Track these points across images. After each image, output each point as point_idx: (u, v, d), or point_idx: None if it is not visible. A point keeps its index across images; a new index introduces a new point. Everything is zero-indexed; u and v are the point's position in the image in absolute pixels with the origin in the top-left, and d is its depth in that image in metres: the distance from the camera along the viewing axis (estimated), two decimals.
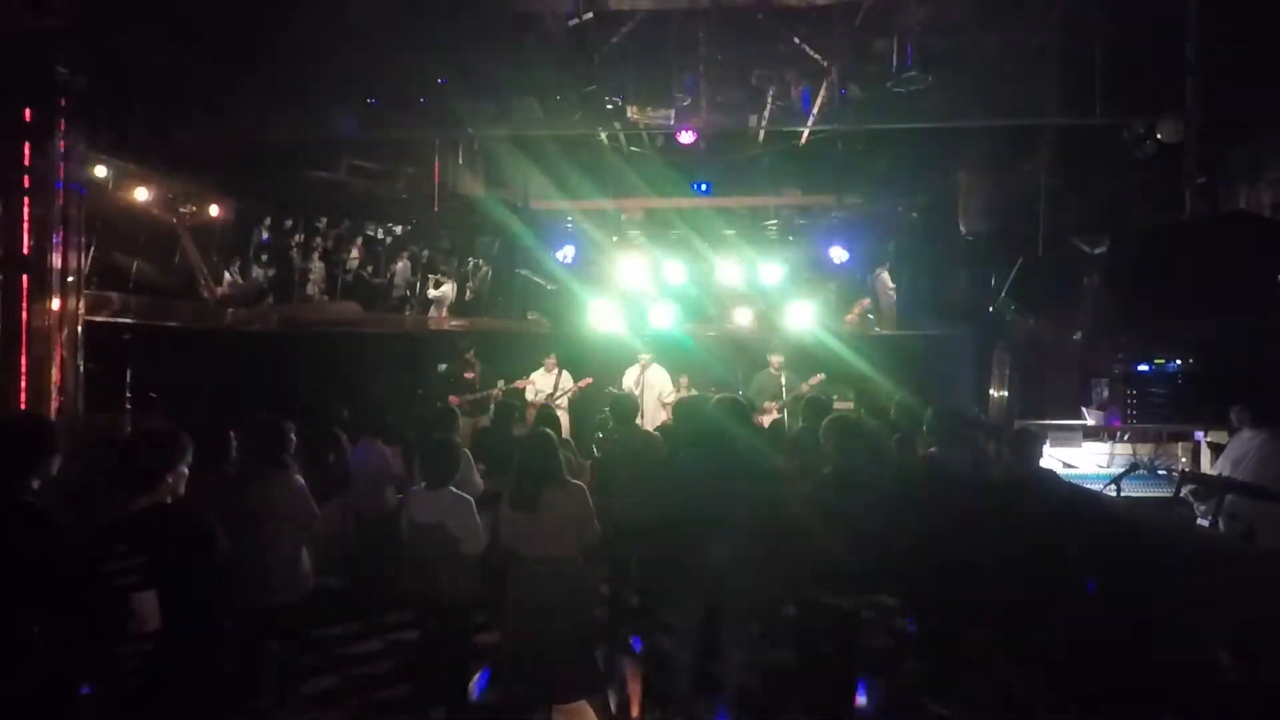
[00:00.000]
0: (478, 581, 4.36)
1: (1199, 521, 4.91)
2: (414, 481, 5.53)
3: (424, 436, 5.99)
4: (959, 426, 4.96)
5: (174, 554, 2.88)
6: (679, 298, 10.78)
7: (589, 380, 9.45)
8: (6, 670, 2.74)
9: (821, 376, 9.01)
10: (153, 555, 2.82)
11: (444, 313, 10.68)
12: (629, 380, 9.48)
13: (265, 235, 9.29)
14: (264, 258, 9.28)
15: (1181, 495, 5.08)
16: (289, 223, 9.46)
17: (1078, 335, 8.02)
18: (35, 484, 2.93)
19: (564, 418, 9.10)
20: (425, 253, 10.74)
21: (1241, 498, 4.71)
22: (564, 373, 9.39)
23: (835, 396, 9.17)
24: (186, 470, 3.17)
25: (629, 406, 6.03)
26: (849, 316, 10.73)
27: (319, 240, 9.87)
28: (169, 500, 3.05)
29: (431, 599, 4.30)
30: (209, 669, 2.99)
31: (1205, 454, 6.59)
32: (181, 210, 8.29)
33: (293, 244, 9.55)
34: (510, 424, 6.27)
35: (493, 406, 7.48)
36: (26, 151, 5.67)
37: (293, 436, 4.51)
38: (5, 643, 2.75)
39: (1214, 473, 5.49)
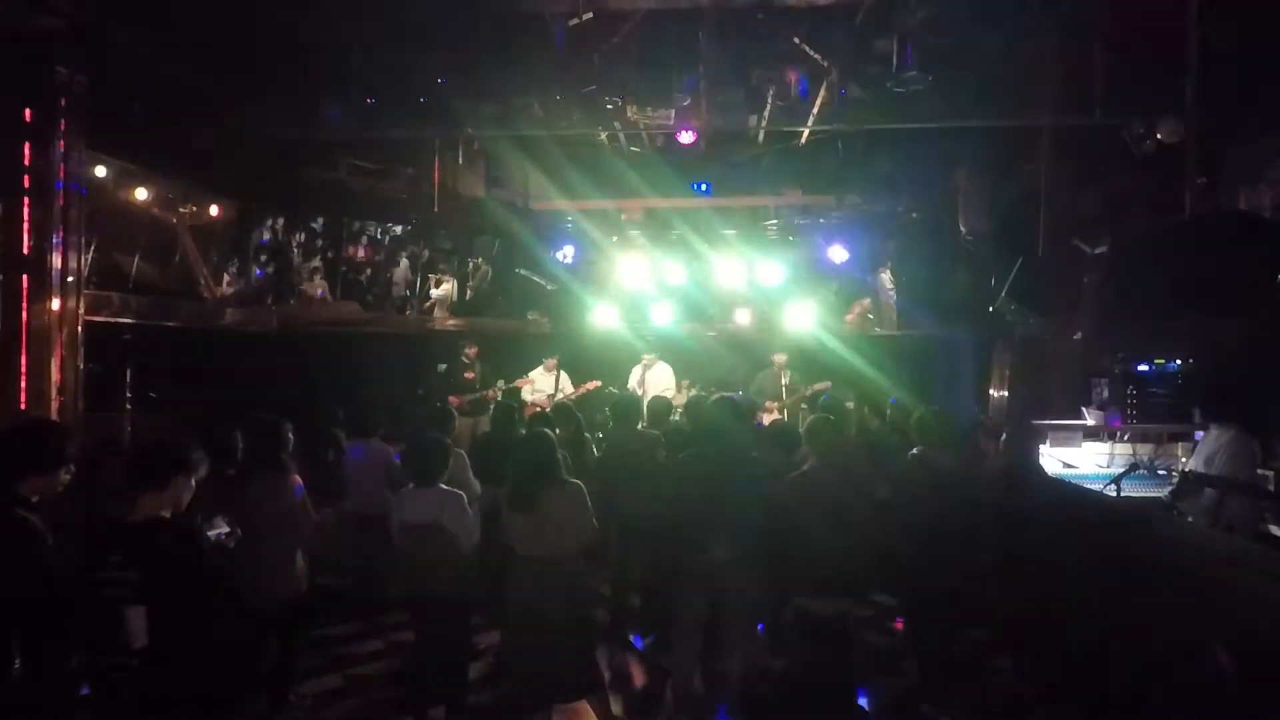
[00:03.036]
0: (475, 579, 4.36)
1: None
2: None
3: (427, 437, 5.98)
4: (946, 425, 4.97)
5: (167, 572, 2.86)
6: (679, 298, 10.78)
7: (597, 383, 9.44)
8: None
9: (828, 384, 8.96)
10: (145, 572, 2.81)
11: (444, 313, 10.68)
12: (632, 381, 9.48)
13: (265, 235, 9.28)
14: (264, 257, 9.28)
15: (1164, 497, 5.12)
16: (288, 223, 9.45)
17: (1078, 335, 8.02)
18: (33, 497, 2.88)
19: None
20: (425, 253, 10.73)
21: (1216, 496, 4.76)
22: (563, 374, 9.39)
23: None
24: (194, 485, 3.15)
25: (631, 406, 6.00)
26: (849, 316, 10.73)
27: (319, 240, 9.87)
28: (169, 512, 3.03)
29: (429, 598, 4.29)
30: (201, 681, 2.97)
31: None
32: (181, 210, 8.28)
33: (293, 244, 9.55)
34: (511, 431, 6.25)
35: (491, 409, 7.44)
36: (26, 151, 5.66)
37: (291, 436, 4.51)
38: None
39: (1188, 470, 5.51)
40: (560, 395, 9.26)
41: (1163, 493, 5.38)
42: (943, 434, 4.88)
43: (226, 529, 3.78)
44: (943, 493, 4.55)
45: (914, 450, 4.86)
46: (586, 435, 6.23)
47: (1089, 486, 5.50)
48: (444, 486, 4.29)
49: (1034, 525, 4.34)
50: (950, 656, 4.88)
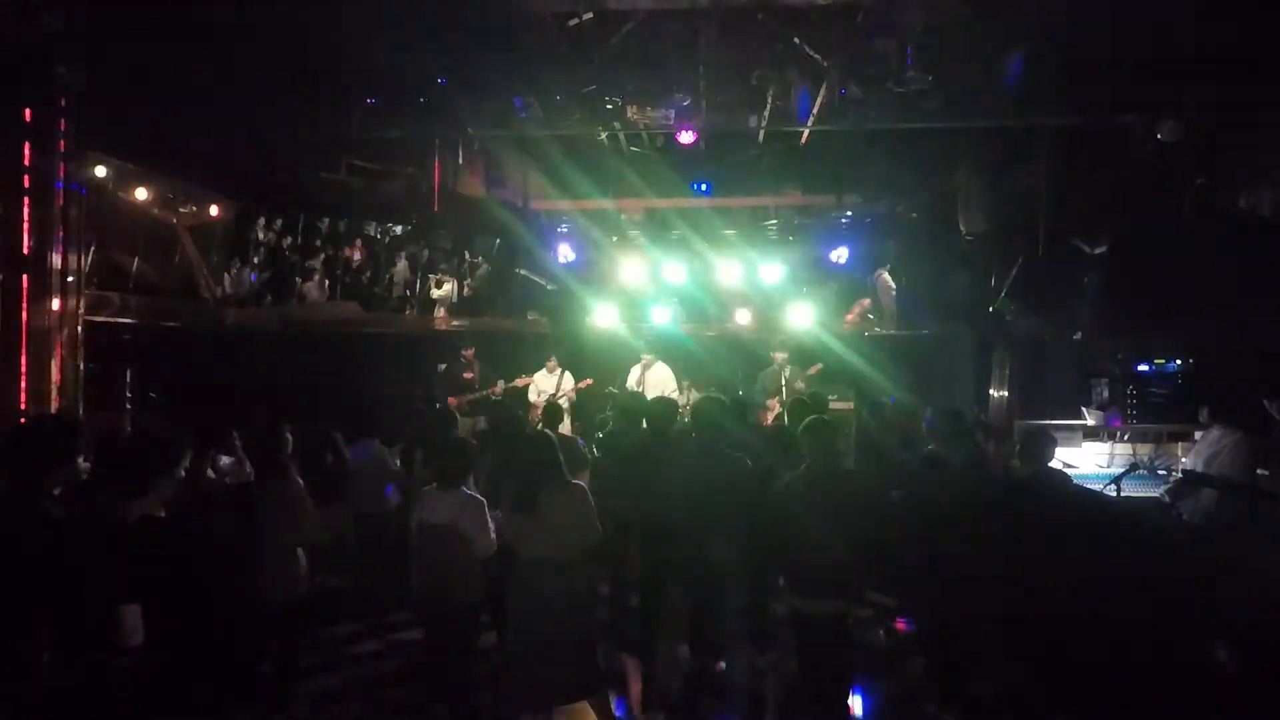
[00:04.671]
0: (484, 582, 4.36)
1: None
2: (413, 482, 5.53)
3: (422, 437, 5.98)
4: (958, 425, 4.97)
5: (161, 571, 2.86)
6: (679, 298, 10.77)
7: (589, 381, 9.44)
8: (11, 671, 2.73)
9: (819, 366, 9.02)
10: (139, 571, 2.81)
11: (444, 313, 10.68)
12: (631, 381, 9.48)
13: (264, 235, 9.28)
14: (263, 258, 9.28)
15: (1160, 495, 5.13)
16: (287, 222, 9.45)
17: (1078, 335, 8.02)
18: (56, 489, 2.90)
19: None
20: (425, 253, 10.73)
21: (1216, 496, 4.78)
22: (565, 374, 9.39)
23: (835, 397, 9.17)
24: (183, 474, 3.17)
25: (636, 405, 5.97)
26: (849, 316, 10.72)
27: (319, 240, 9.86)
28: (162, 509, 3.04)
29: (441, 600, 4.29)
30: (198, 679, 2.98)
31: None
32: (181, 210, 8.28)
33: (292, 244, 9.55)
34: (502, 429, 6.24)
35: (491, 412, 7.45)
36: (26, 151, 5.68)
37: (290, 438, 4.51)
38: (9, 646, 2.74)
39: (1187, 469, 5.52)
40: (563, 396, 9.26)
41: (1159, 491, 5.40)
42: (952, 435, 4.88)
43: (232, 459, 3.80)
44: (951, 493, 4.54)
45: (929, 449, 4.85)
46: (576, 437, 6.23)
47: (1089, 486, 5.51)
48: (465, 490, 4.31)
49: (1040, 525, 4.33)
50: (956, 656, 4.88)
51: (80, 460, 3.01)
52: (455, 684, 4.44)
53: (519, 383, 9.33)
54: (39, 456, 2.89)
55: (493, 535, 4.28)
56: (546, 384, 9.34)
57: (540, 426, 5.99)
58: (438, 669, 4.51)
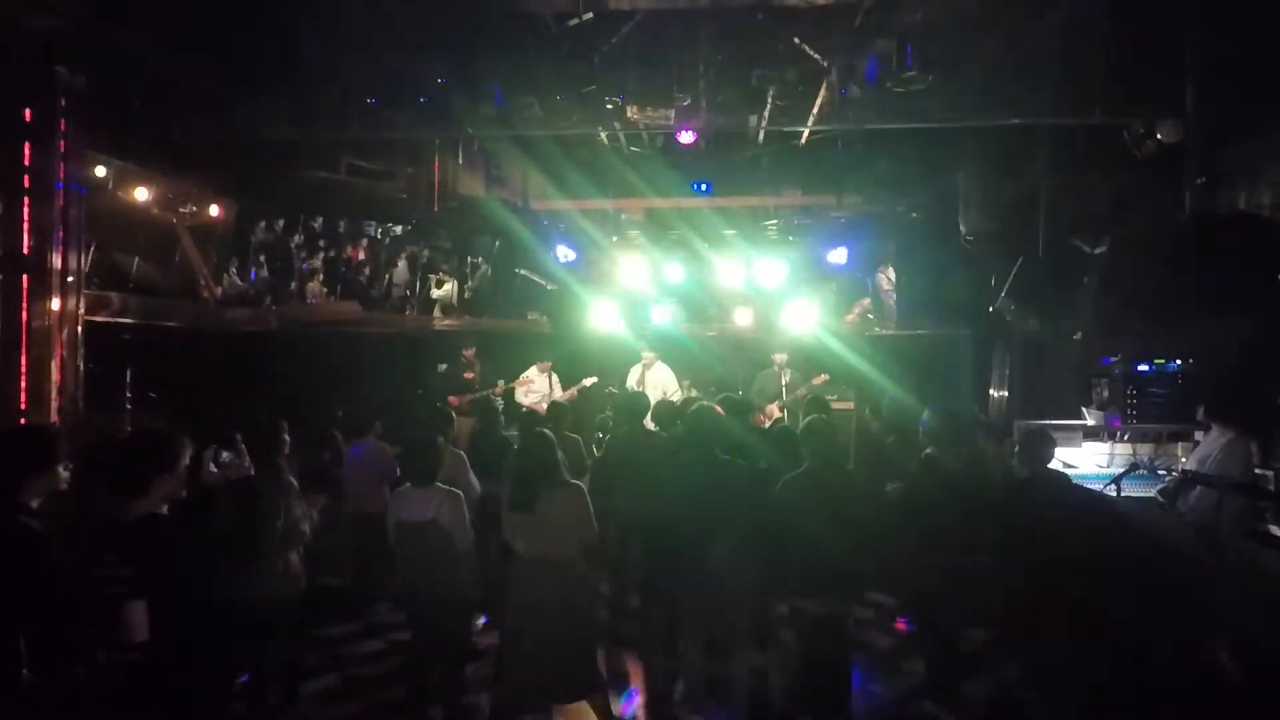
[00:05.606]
0: (472, 578, 4.35)
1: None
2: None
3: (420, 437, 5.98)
4: (955, 427, 4.96)
5: (161, 569, 2.86)
6: (679, 298, 10.77)
7: (594, 379, 9.43)
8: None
9: (825, 376, 9.00)
10: (142, 567, 2.81)
11: (444, 313, 10.69)
12: (631, 381, 9.47)
13: (265, 235, 9.29)
14: (263, 258, 9.29)
15: (1155, 494, 5.13)
16: (287, 223, 9.47)
17: (1078, 335, 8.02)
18: (33, 502, 2.85)
19: None
20: (425, 253, 10.74)
21: (1214, 495, 4.79)
22: (554, 376, 9.36)
23: (835, 397, 9.17)
24: (182, 473, 3.16)
25: (635, 405, 5.98)
26: (849, 316, 10.72)
27: (319, 240, 9.87)
28: (164, 507, 3.03)
29: (425, 597, 4.29)
30: (199, 677, 2.98)
31: None
32: (181, 210, 8.30)
33: (293, 244, 9.56)
34: (495, 425, 6.26)
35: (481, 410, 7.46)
36: (26, 151, 5.68)
37: (286, 437, 4.50)
38: None
39: (1185, 469, 5.52)
40: (564, 395, 9.24)
41: (1154, 490, 5.40)
42: (950, 436, 4.87)
43: (231, 454, 3.80)
44: (951, 495, 4.54)
45: (926, 451, 4.85)
46: (577, 437, 6.23)
47: (1089, 486, 5.51)
48: (441, 485, 4.30)
49: (1039, 526, 4.33)
50: (956, 656, 4.88)
51: (60, 469, 2.97)
52: (446, 683, 4.43)
53: (517, 383, 9.33)
54: (11, 470, 2.85)
55: (470, 527, 4.27)
56: (541, 384, 9.32)
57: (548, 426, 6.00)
58: (425, 669, 4.49)
